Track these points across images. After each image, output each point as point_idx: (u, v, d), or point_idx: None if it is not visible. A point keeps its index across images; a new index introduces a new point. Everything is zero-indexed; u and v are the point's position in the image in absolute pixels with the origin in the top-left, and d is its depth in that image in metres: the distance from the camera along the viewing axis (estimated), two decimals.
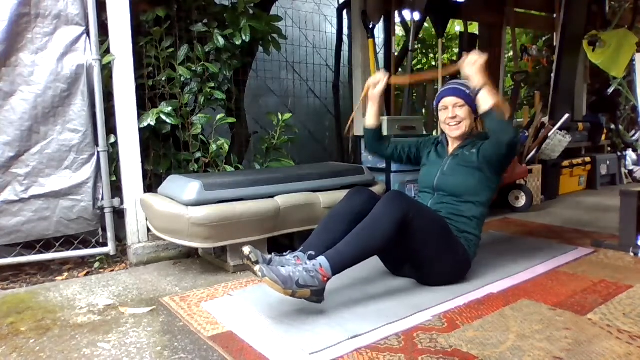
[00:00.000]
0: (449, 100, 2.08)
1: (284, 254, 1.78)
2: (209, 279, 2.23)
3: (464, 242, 1.95)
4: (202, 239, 2.17)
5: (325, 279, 1.61)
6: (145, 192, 2.55)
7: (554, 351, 1.41)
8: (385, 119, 3.25)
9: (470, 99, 2.04)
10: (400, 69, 4.59)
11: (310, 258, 1.70)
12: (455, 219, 1.98)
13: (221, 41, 2.80)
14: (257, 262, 1.60)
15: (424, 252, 1.86)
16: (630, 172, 5.23)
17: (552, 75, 4.74)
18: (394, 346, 1.47)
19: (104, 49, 2.44)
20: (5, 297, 2.03)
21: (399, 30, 5.27)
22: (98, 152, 2.39)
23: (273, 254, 1.76)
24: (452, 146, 2.16)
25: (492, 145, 1.93)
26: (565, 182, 4.45)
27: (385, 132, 2.78)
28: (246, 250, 1.61)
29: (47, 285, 2.18)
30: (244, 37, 2.82)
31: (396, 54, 4.58)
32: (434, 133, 4.59)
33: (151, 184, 2.76)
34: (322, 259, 1.63)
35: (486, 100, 1.87)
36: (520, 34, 6.13)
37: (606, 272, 2.14)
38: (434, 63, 5.98)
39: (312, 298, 1.62)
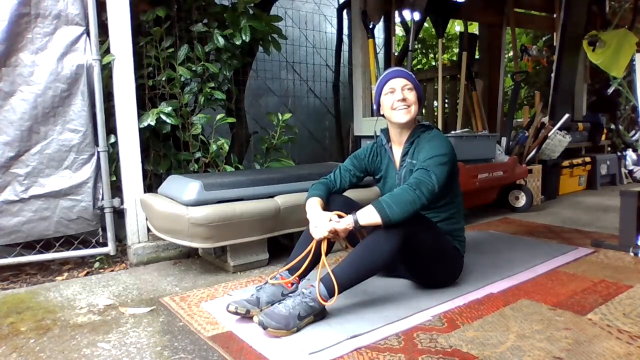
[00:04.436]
0: (397, 82, 1.87)
1: (267, 281, 1.78)
2: (209, 279, 2.23)
3: (453, 242, 1.95)
4: (202, 239, 2.17)
5: (325, 301, 1.61)
6: (145, 192, 2.55)
7: (554, 351, 1.41)
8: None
9: (417, 84, 1.90)
10: None
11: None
12: (438, 224, 1.92)
13: (221, 41, 2.80)
14: (248, 312, 1.64)
15: (420, 262, 1.86)
16: (630, 172, 5.23)
17: (552, 75, 4.74)
18: (394, 346, 1.47)
19: (104, 49, 2.44)
20: (5, 297, 2.03)
21: (399, 30, 5.27)
22: (98, 152, 2.39)
23: (260, 289, 1.76)
24: (395, 155, 2.00)
25: None
26: (565, 182, 4.45)
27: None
28: (231, 307, 1.64)
29: (47, 285, 2.18)
30: (244, 37, 2.82)
31: (396, 54, 4.58)
32: None
33: (151, 184, 2.77)
34: (321, 287, 1.61)
35: (368, 216, 1.66)
36: (520, 34, 6.13)
37: (606, 272, 2.13)
38: (434, 63, 5.99)
39: (316, 319, 1.64)
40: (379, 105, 1.97)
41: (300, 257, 1.75)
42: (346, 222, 1.68)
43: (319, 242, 1.71)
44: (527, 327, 1.58)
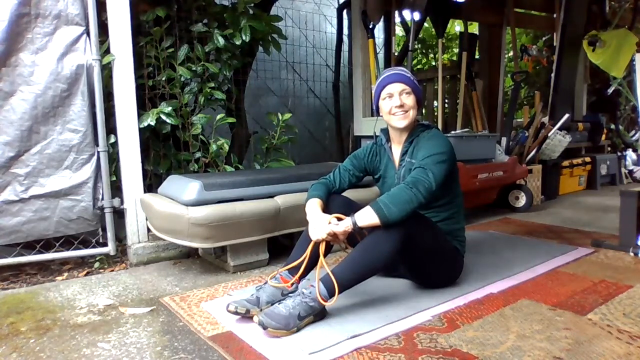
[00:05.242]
0: (395, 87, 1.85)
1: (267, 281, 1.78)
2: (209, 279, 2.23)
3: (453, 242, 1.94)
4: (202, 239, 2.17)
5: (325, 301, 1.61)
6: (145, 192, 2.55)
7: (554, 351, 1.41)
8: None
9: (415, 86, 1.88)
10: None
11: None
12: (438, 224, 1.92)
13: (221, 41, 2.80)
14: (248, 312, 1.64)
15: (420, 262, 1.86)
16: (630, 172, 5.24)
17: (552, 75, 4.74)
18: (394, 346, 1.47)
19: (104, 49, 2.44)
20: (5, 297, 2.03)
21: (399, 30, 5.27)
22: (98, 152, 2.39)
23: (260, 288, 1.76)
24: (395, 154, 1.99)
25: None
26: (565, 182, 4.45)
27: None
28: (231, 307, 1.64)
29: (47, 285, 2.18)
30: (244, 37, 2.82)
31: (396, 54, 4.58)
32: None
33: (151, 184, 2.77)
34: (321, 287, 1.61)
35: (366, 217, 1.66)
36: (520, 34, 6.13)
37: (606, 272, 2.13)
38: (434, 63, 5.99)
39: (316, 319, 1.64)
40: (377, 108, 1.97)
41: (300, 260, 1.75)
42: (345, 225, 1.68)
43: (318, 244, 1.71)
44: (527, 327, 1.58)
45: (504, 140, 3.86)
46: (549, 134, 4.11)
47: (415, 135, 1.91)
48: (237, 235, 2.24)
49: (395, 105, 1.85)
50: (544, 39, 5.99)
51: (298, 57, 4.74)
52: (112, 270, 2.41)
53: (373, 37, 3.81)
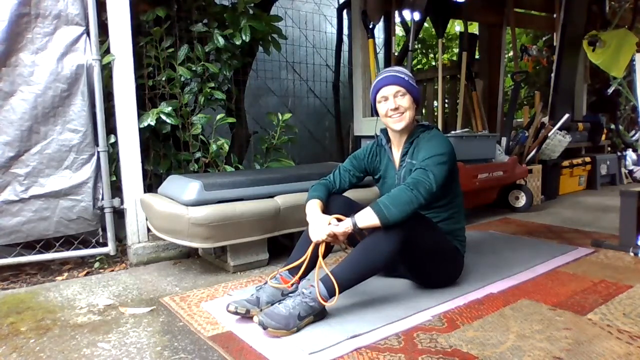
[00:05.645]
0: (388, 90, 1.84)
1: (267, 281, 1.78)
2: (209, 279, 2.23)
3: (454, 242, 1.94)
4: (202, 239, 2.17)
5: (325, 301, 1.61)
6: (145, 192, 2.55)
7: (554, 351, 1.41)
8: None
9: (411, 86, 1.85)
10: None
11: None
12: (438, 224, 1.92)
13: (221, 41, 2.80)
14: (248, 312, 1.64)
15: (420, 262, 1.86)
16: (630, 172, 5.24)
17: (552, 75, 4.74)
18: (394, 346, 1.47)
19: (104, 49, 2.44)
20: (5, 297, 2.03)
21: (399, 30, 5.27)
22: (98, 152, 2.39)
23: (260, 288, 1.77)
24: (395, 155, 1.99)
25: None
26: (565, 182, 4.45)
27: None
28: (231, 307, 1.64)
29: (47, 285, 2.18)
30: (244, 37, 2.82)
31: (396, 54, 4.58)
32: None
33: (151, 184, 2.77)
34: (321, 287, 1.61)
35: (366, 218, 1.66)
36: (520, 34, 6.13)
37: (606, 272, 2.13)
38: (434, 63, 5.99)
39: (316, 319, 1.64)
40: (376, 110, 1.97)
41: (300, 261, 1.75)
42: (345, 226, 1.68)
43: (318, 245, 1.71)
44: (527, 327, 1.58)
45: (504, 140, 3.86)
46: (549, 134, 4.11)
47: (415, 136, 1.91)
48: (237, 235, 2.24)
49: (391, 108, 1.84)
50: (544, 39, 5.99)
51: (298, 57, 4.74)
52: (112, 270, 2.41)
53: (373, 37, 3.81)
